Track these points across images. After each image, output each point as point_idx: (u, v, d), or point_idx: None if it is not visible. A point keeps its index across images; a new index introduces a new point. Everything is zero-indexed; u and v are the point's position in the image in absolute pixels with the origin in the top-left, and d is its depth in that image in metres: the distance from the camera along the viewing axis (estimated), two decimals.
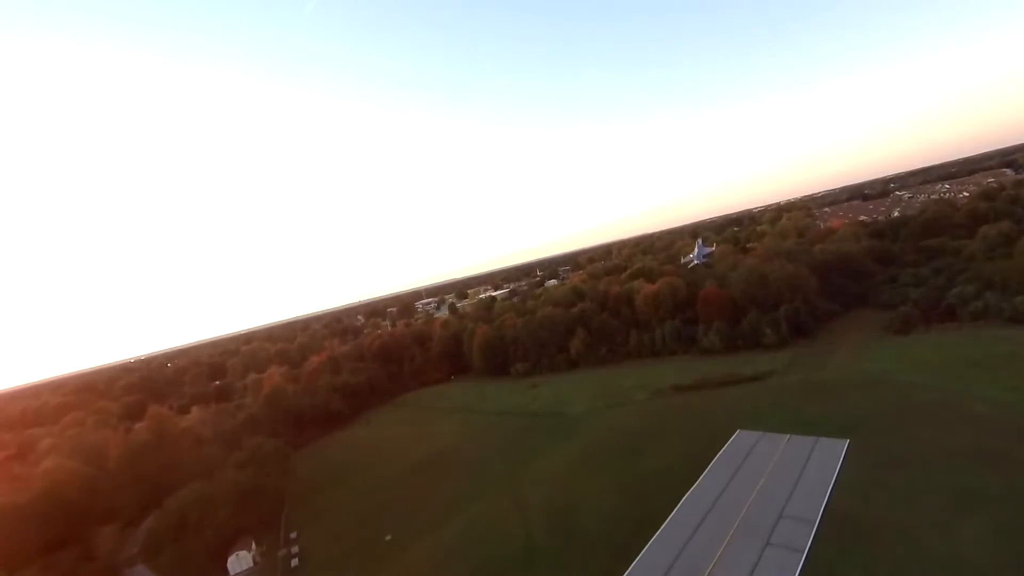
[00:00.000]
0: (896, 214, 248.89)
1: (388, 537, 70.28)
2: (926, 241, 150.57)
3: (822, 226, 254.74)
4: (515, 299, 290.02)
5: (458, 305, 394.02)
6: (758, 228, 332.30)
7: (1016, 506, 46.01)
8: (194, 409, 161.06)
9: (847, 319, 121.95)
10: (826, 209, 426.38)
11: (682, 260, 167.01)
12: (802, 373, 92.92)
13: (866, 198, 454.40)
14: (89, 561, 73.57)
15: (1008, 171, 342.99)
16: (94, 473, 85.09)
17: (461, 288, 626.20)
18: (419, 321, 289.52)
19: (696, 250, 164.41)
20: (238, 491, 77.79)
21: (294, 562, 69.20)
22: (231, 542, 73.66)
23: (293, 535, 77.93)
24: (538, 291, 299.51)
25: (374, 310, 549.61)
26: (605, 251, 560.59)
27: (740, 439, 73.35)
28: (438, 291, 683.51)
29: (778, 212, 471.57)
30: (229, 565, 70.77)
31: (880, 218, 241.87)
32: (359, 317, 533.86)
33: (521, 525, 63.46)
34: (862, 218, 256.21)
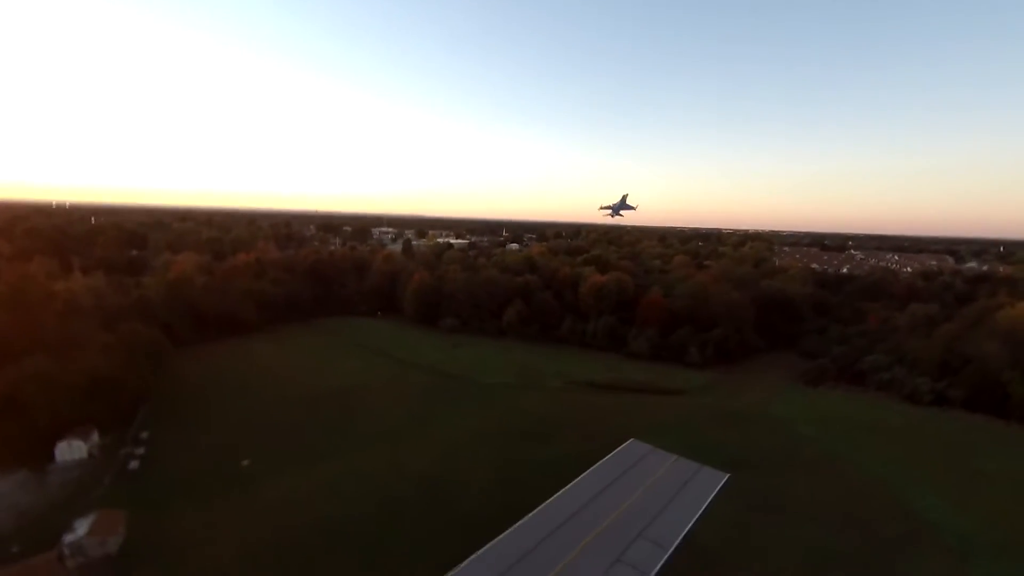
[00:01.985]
0: (845, 270, 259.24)
1: (246, 463, 65.10)
2: (862, 303, 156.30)
3: (777, 263, 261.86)
4: (471, 252, 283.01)
5: (413, 243, 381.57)
6: (720, 248, 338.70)
7: (864, 574, 47.12)
8: (81, 275, 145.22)
9: (770, 357, 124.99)
10: (786, 248, 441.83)
11: (601, 206, 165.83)
12: (712, 399, 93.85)
13: (824, 248, 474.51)
14: None
15: (950, 258, 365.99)
16: None
17: (425, 227, 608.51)
18: (366, 248, 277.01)
19: (619, 201, 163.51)
20: (92, 377, 69.34)
21: (133, 464, 62.79)
22: (68, 428, 65.85)
23: (144, 435, 71.03)
24: (496, 251, 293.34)
25: (329, 225, 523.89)
26: (576, 230, 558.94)
27: (630, 449, 72.67)
28: (401, 224, 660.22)
29: (744, 239, 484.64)
30: (58, 452, 63.46)
31: (830, 270, 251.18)
32: (311, 227, 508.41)
33: (390, 488, 59.96)
34: (814, 266, 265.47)
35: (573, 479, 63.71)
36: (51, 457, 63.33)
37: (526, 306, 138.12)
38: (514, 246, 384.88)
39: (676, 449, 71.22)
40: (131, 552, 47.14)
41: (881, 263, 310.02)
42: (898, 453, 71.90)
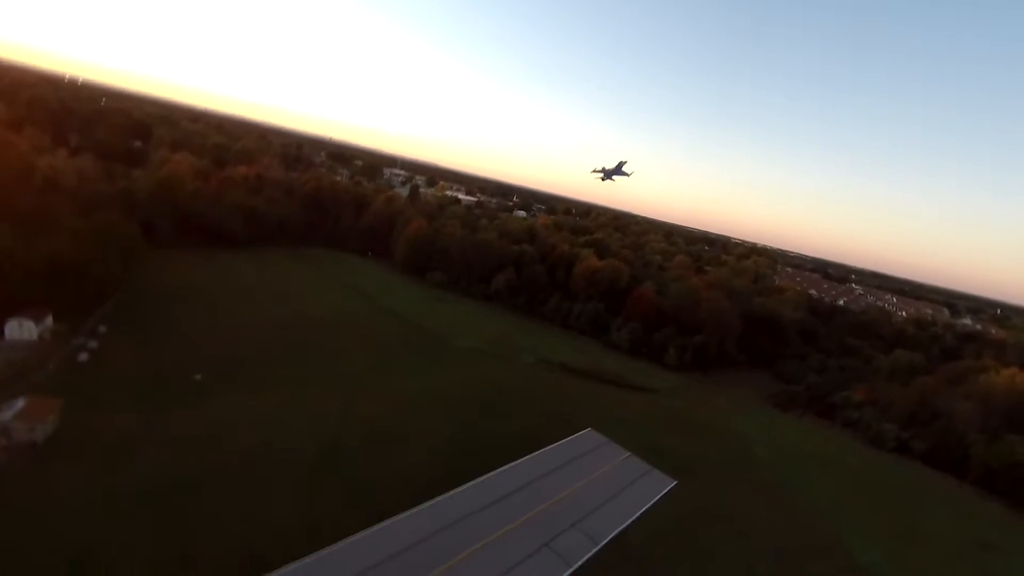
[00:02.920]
0: (841, 302, 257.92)
1: (198, 377, 63.85)
2: (850, 338, 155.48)
3: (777, 282, 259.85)
4: (476, 211, 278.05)
5: (421, 190, 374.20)
6: (723, 256, 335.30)
7: None
8: (70, 155, 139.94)
9: (745, 373, 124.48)
10: (788, 269, 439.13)
11: (593, 169, 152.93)
12: (678, 403, 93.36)
13: (826, 276, 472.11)
14: None
15: (946, 311, 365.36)
16: None
17: (438, 177, 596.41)
18: (370, 186, 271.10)
19: (615, 166, 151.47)
20: (54, 260, 66.91)
21: (82, 356, 61.36)
22: (22, 307, 63.92)
23: (102, 329, 69.38)
24: (501, 215, 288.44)
25: (341, 155, 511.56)
26: (588, 210, 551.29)
27: (586, 438, 71.91)
28: (415, 168, 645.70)
29: (750, 252, 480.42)
30: (7, 329, 61.73)
31: (826, 299, 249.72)
32: (322, 153, 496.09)
33: (335, 430, 59.11)
34: (812, 291, 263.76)
35: (521, 455, 63.24)
36: (0, 333, 61.57)
37: (517, 276, 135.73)
38: (521, 213, 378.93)
39: (631, 446, 70.54)
40: (57, 444, 46.08)
41: (878, 302, 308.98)
42: (846, 493, 71.99)
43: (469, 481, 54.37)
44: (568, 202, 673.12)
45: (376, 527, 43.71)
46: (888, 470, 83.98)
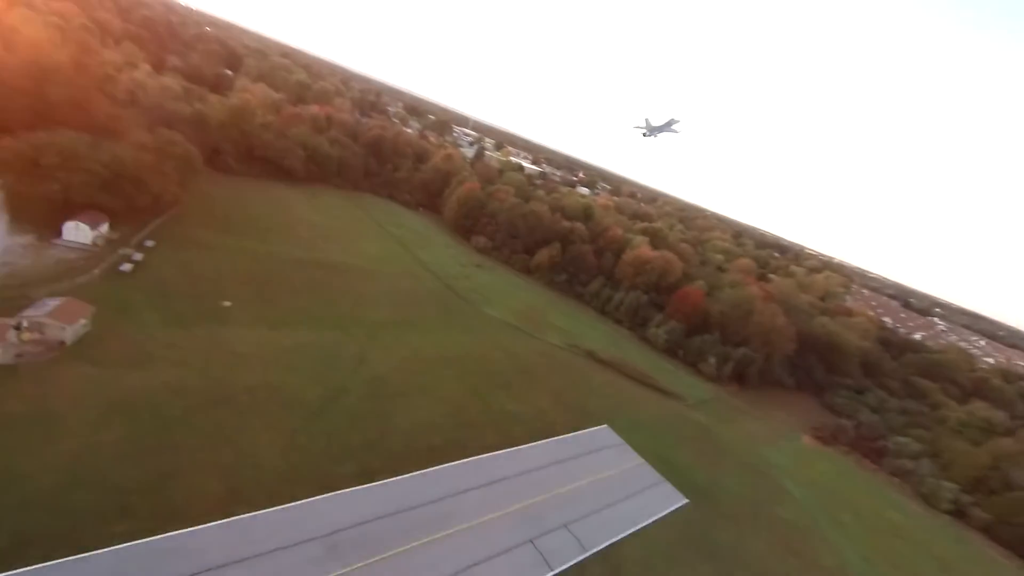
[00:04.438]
0: (917, 336, 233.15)
1: (227, 303, 65.11)
2: (919, 378, 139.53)
3: (848, 302, 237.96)
4: (538, 181, 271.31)
5: (487, 153, 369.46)
6: (792, 267, 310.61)
7: None
8: (165, 74, 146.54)
9: (789, 397, 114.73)
10: (864, 291, 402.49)
11: (636, 125, 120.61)
12: (706, 416, 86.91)
13: (906, 305, 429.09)
14: None
15: None
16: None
17: (508, 141, 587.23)
18: (433, 141, 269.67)
19: (664, 121, 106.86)
20: (116, 169, 69.49)
21: (125, 266, 63.86)
22: (81, 211, 67.17)
23: (149, 243, 72.13)
24: (562, 189, 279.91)
25: (416, 108, 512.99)
26: (654, 197, 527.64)
27: (600, 434, 68.24)
28: (487, 132, 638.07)
29: (823, 265, 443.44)
30: (65, 230, 65.18)
31: (901, 330, 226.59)
32: (398, 104, 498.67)
33: (343, 378, 58.62)
34: (886, 319, 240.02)
35: (530, 440, 60.70)
36: (59, 232, 65.01)
37: (561, 253, 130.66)
38: (584, 190, 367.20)
39: (646, 453, 66.28)
40: (82, 346, 47.89)
41: (962, 342, 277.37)
42: (882, 554, 64.48)
43: (465, 457, 52.68)
44: (633, 184, 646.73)
45: (352, 489, 42.67)
46: (938, 534, 74.73)
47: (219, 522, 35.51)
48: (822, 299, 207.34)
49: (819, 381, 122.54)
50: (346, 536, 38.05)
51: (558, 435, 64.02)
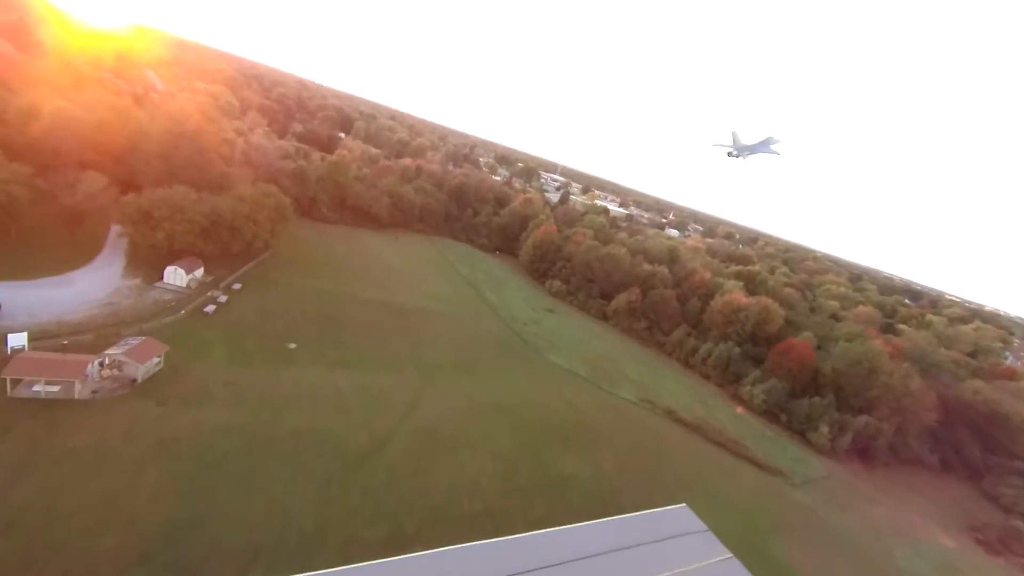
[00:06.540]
0: None
1: (292, 345, 67.02)
2: None
3: (1009, 362, 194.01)
4: (622, 224, 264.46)
5: (572, 198, 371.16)
6: (928, 316, 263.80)
7: None
8: (286, 138, 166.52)
9: (932, 480, 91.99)
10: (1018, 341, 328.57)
11: (728, 143, 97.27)
12: (815, 499, 71.39)
13: None
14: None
15: None
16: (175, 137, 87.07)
17: (597, 186, 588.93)
18: (517, 187, 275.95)
19: (760, 141, 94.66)
20: (212, 218, 77.06)
21: (210, 307, 68.83)
22: (181, 256, 74.59)
23: (236, 286, 77.82)
24: (649, 231, 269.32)
25: (503, 157, 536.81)
26: (753, 237, 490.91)
27: (677, 515, 57.63)
28: (575, 176, 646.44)
29: (971, 315, 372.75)
30: (167, 274, 72.43)
31: None
32: (490, 155, 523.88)
33: (391, 425, 56.29)
34: None
35: (588, 518, 52.66)
36: (161, 276, 72.33)
37: (642, 298, 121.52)
38: (673, 232, 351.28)
39: (734, 545, 54.50)
40: (152, 384, 50.63)
41: None
42: None
43: (507, 533, 46.33)
44: (729, 224, 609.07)
45: (376, 562, 38.35)
46: None
47: None
48: (972, 356, 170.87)
49: (974, 462, 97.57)
50: None
51: (623, 510, 55.04)
